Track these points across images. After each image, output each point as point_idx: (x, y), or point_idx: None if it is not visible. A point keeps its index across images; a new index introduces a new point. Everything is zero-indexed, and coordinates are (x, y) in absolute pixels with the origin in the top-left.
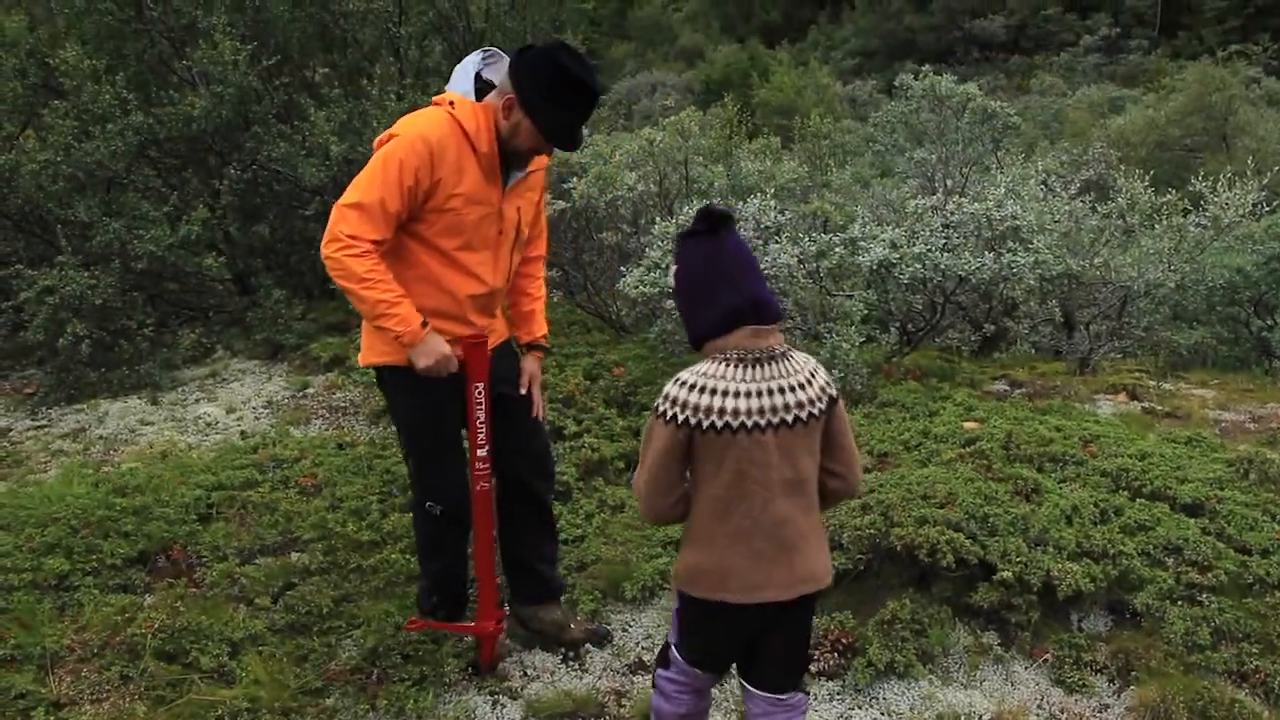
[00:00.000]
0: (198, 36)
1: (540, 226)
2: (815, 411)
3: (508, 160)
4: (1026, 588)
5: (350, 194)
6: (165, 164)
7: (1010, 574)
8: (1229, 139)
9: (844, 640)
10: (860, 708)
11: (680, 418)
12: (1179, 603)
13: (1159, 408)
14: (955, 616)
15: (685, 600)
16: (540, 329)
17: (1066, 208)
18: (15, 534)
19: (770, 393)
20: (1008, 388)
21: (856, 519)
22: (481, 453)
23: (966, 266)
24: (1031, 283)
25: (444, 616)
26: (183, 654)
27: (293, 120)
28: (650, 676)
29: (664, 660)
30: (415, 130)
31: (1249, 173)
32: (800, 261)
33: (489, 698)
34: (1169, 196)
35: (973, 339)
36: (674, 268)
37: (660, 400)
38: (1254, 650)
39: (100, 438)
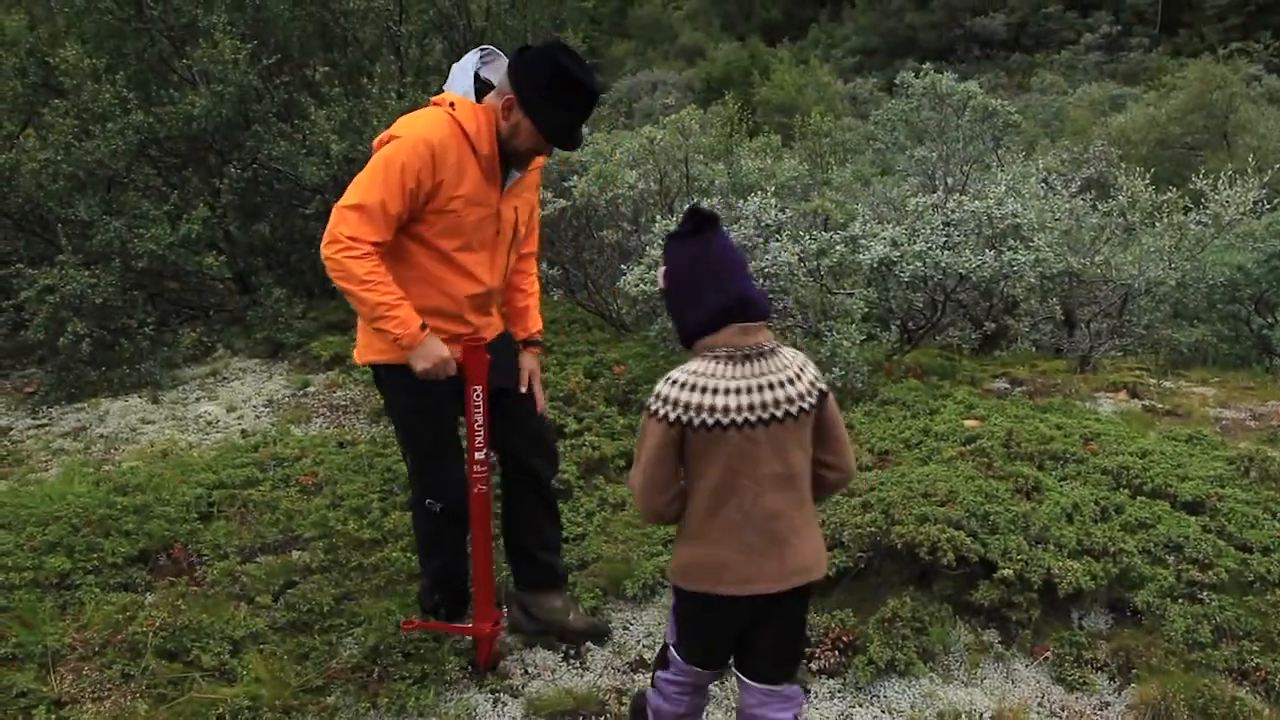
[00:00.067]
0: (198, 35)
1: (533, 222)
2: (805, 406)
3: (507, 161)
4: (1027, 585)
5: (350, 195)
6: (166, 163)
7: (1011, 572)
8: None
9: (845, 638)
10: (861, 705)
11: (672, 415)
12: (1180, 600)
13: (1160, 406)
14: (956, 614)
15: (681, 595)
16: (536, 324)
17: (1067, 206)
18: (16, 533)
19: (760, 389)
20: (1008, 386)
21: (857, 517)
22: (479, 455)
23: (967, 264)
24: (1032, 281)
25: (445, 614)
26: (184, 652)
27: (293, 119)
28: (650, 676)
29: (663, 662)
30: (417, 132)
31: (1250, 170)
32: (801, 259)
33: (490, 696)
34: (1170, 194)
35: (973, 337)
36: (662, 269)
37: (652, 399)
38: (1255, 648)
39: (101, 436)
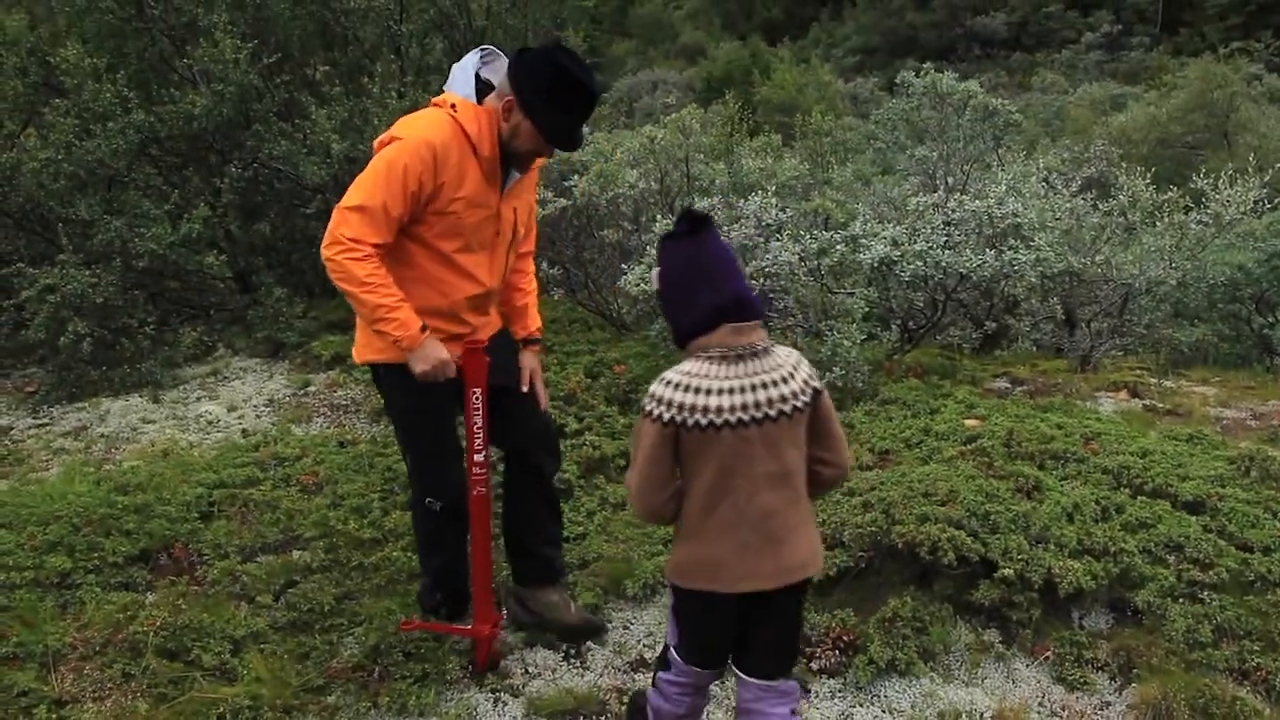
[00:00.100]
0: (198, 35)
1: (531, 221)
2: (799, 405)
3: (508, 162)
4: (1028, 585)
5: (352, 196)
6: (166, 162)
7: (1011, 571)
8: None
9: (845, 638)
10: (861, 705)
11: (666, 416)
12: (1180, 600)
13: (1160, 405)
14: (956, 614)
15: (679, 593)
16: (535, 323)
17: (1068, 205)
18: (17, 532)
19: (753, 388)
20: (1009, 385)
21: (858, 517)
22: (479, 458)
23: (968, 264)
24: (1033, 280)
25: (446, 614)
26: (184, 652)
27: (294, 118)
28: (651, 676)
29: (664, 663)
30: (418, 134)
31: (1250, 170)
32: (801, 259)
33: (490, 695)
34: (1170, 194)
35: (974, 336)
36: (656, 269)
37: (647, 399)
38: (1255, 648)
39: (102, 436)
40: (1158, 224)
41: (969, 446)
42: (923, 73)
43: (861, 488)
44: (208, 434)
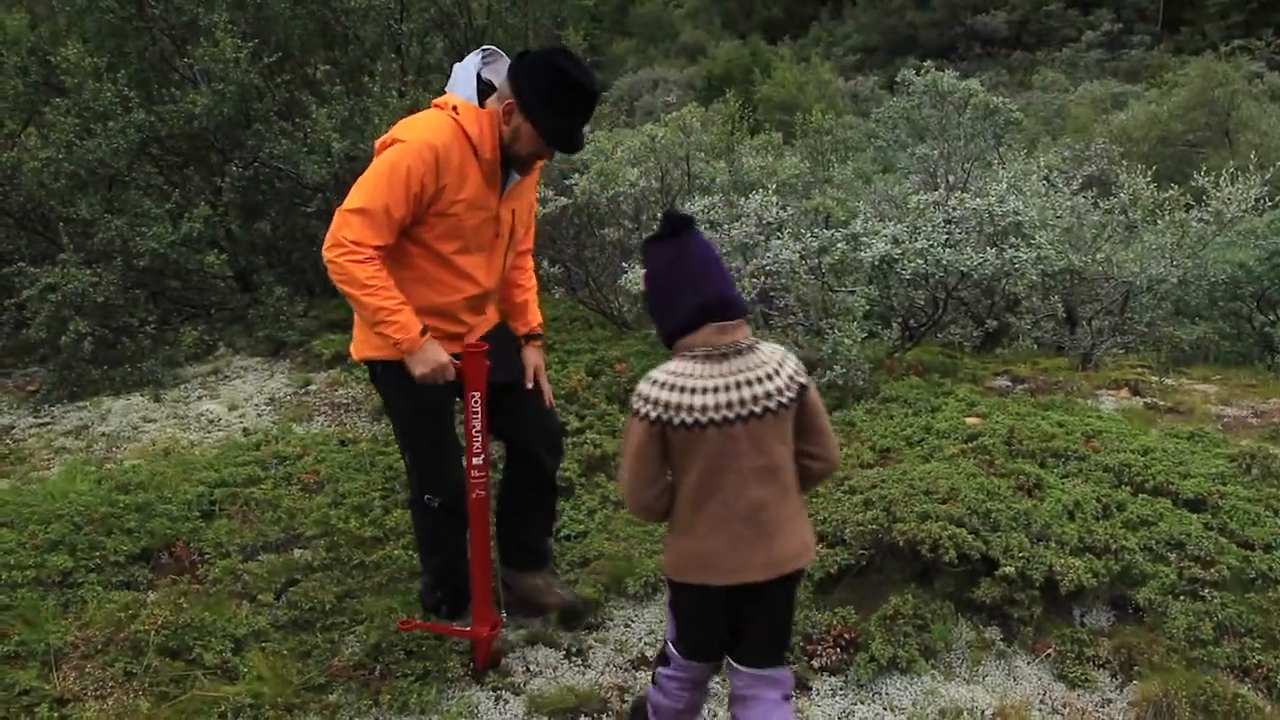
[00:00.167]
0: (199, 34)
1: (530, 219)
2: (785, 400)
3: (508, 164)
4: (1029, 583)
5: (354, 198)
6: (167, 161)
7: (1012, 569)
8: (1231, 134)
9: (846, 635)
10: (863, 703)
11: (653, 414)
12: (1181, 598)
13: (1161, 403)
14: (957, 612)
15: (674, 587)
16: (535, 318)
17: (1069, 203)
18: (19, 531)
19: (738, 386)
20: (1010, 383)
21: (859, 514)
22: (478, 460)
23: (968, 262)
24: (1034, 278)
25: (447, 612)
26: (186, 650)
27: (294, 117)
28: (651, 673)
29: (663, 659)
30: (420, 136)
31: (1251, 168)
32: (802, 257)
33: (491, 693)
34: (1171, 192)
35: (975, 334)
36: (642, 272)
37: (634, 398)
38: (1256, 645)
39: (103, 435)
40: (1159, 222)
41: (970, 444)
42: (923, 71)
43: (863, 485)
44: (209, 433)
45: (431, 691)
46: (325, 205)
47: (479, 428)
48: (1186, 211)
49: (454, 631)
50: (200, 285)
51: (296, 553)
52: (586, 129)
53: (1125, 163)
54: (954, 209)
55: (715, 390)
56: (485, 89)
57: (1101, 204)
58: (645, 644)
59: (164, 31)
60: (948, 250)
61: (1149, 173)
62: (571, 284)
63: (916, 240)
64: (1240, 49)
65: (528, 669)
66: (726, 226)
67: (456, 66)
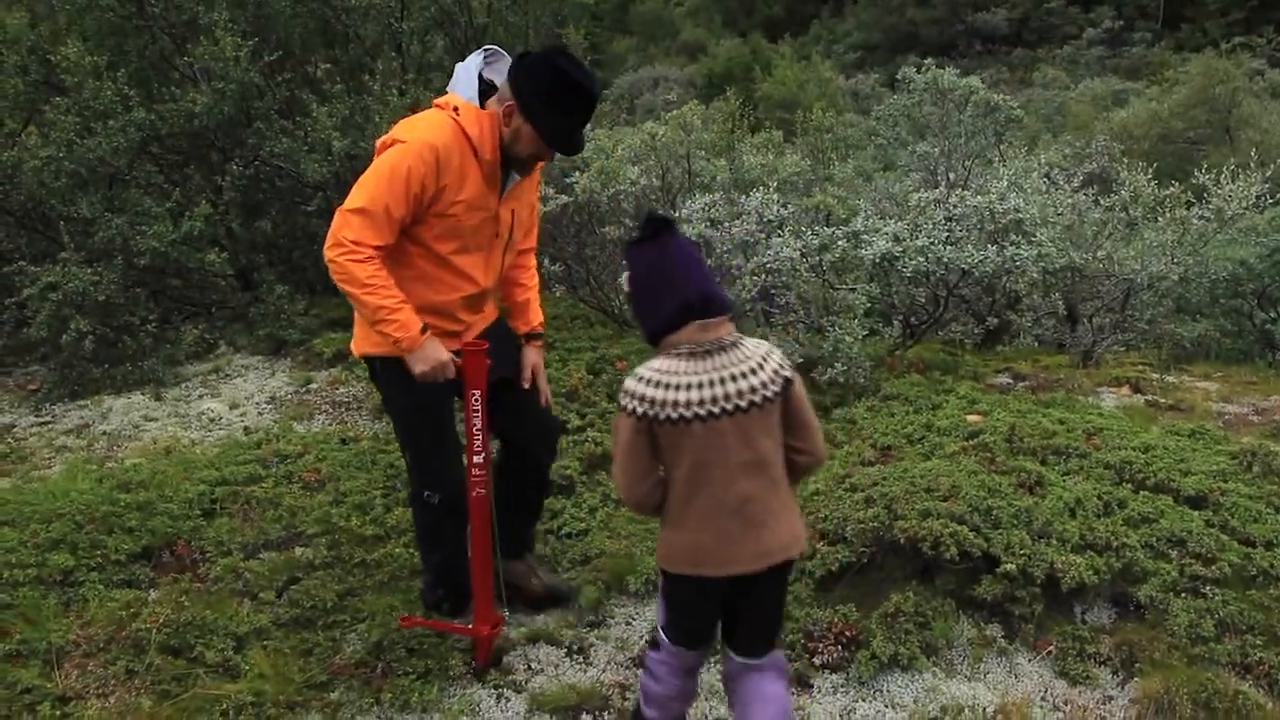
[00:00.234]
0: (199, 33)
1: (532, 219)
2: (769, 394)
3: (508, 165)
4: (1030, 580)
5: (354, 198)
6: (167, 160)
7: (1014, 566)
8: (1232, 131)
9: (848, 633)
10: (864, 700)
11: (639, 410)
12: (1183, 595)
13: (1162, 400)
14: (959, 609)
15: (667, 578)
16: (536, 318)
17: (1069, 201)
18: (20, 530)
19: (722, 381)
20: (1011, 381)
21: (860, 512)
22: (478, 459)
23: (969, 259)
24: (1034, 276)
25: (449, 610)
26: (188, 648)
27: (295, 116)
28: (643, 658)
29: (654, 644)
30: (421, 137)
31: (1252, 165)
32: (803, 255)
33: (493, 691)
34: (1172, 189)
35: (976, 332)
36: (626, 274)
37: (621, 395)
38: (1258, 642)
39: (104, 434)
40: (1159, 219)
41: (971, 442)
42: (924, 69)
43: (864, 483)
44: (210, 431)
45: (433, 689)
46: (326, 204)
47: (479, 426)
48: (1187, 209)
49: (455, 629)
50: (201, 284)
51: (298, 551)
52: (586, 129)
53: (1126, 160)
54: (955, 206)
55: (700, 386)
56: (487, 89)
57: (1102, 201)
58: (647, 642)
59: (164, 30)
60: (949, 248)
61: (1150, 170)
62: (572, 282)
63: (917, 238)
64: (1241, 46)
65: (529, 667)
66: (727, 224)
67: (458, 66)
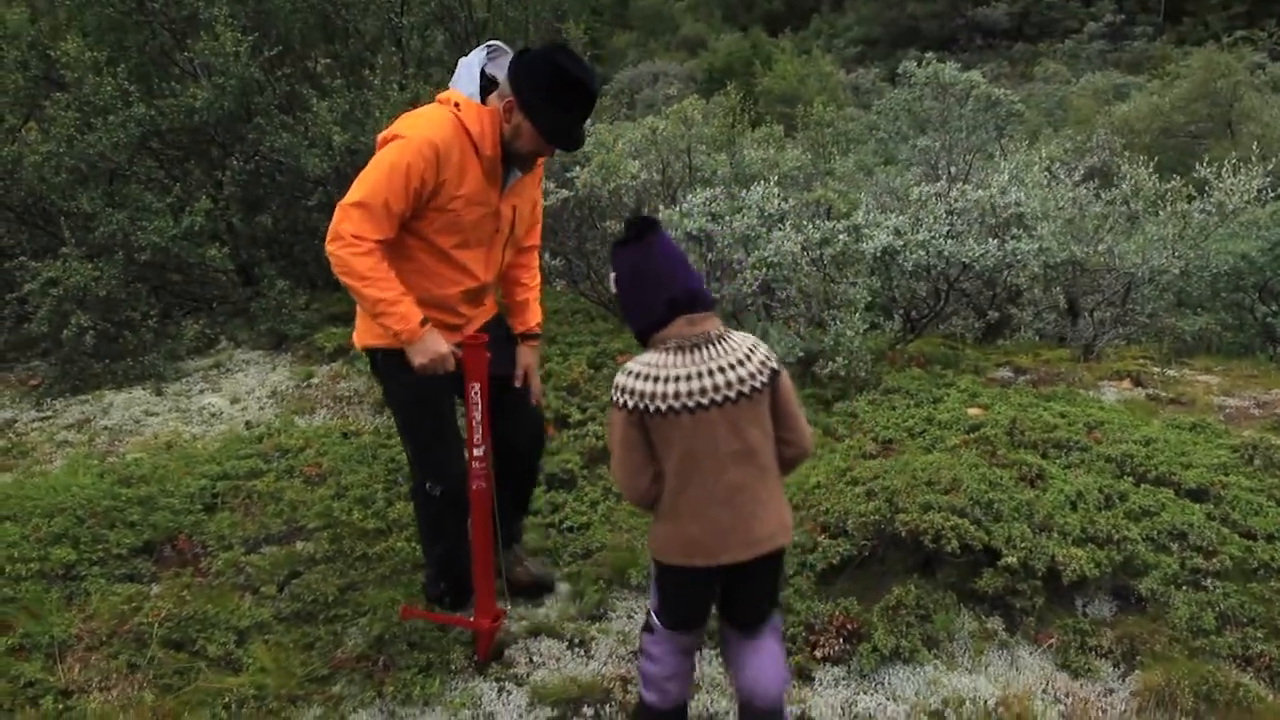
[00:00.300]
0: (199, 28)
1: (535, 216)
2: (757, 385)
3: (509, 162)
4: (1031, 573)
5: (354, 193)
6: (168, 155)
7: (1015, 559)
8: (1234, 125)
9: (849, 626)
10: (866, 693)
11: (630, 404)
12: (1184, 588)
13: (1163, 394)
14: (960, 602)
15: (659, 567)
16: (535, 318)
17: (1070, 194)
18: (22, 524)
19: (710, 373)
20: (1012, 374)
21: (861, 505)
22: (478, 452)
23: (970, 253)
24: (1035, 269)
25: (451, 604)
26: (189, 642)
27: (295, 111)
28: (638, 642)
29: (647, 627)
30: (421, 133)
31: (1254, 159)
32: (804, 249)
33: (495, 684)
34: (1173, 183)
35: (977, 326)
36: (612, 275)
37: (613, 390)
38: (1259, 635)
39: (105, 428)
40: (1161, 213)
41: (972, 435)
42: (925, 63)
43: (865, 476)
44: (211, 426)
45: (435, 683)
46: (326, 198)
47: (479, 418)
48: (1189, 203)
49: (456, 621)
50: (202, 279)
51: (299, 545)
52: (587, 125)
53: (1127, 154)
54: (956, 200)
55: (689, 378)
56: (489, 85)
57: (1103, 195)
58: (642, 627)
59: (164, 25)
60: (949, 242)
61: (1151, 164)
62: (573, 276)
63: (918, 232)
64: (1243, 40)
65: (530, 660)
66: (728, 218)
67: (461, 62)
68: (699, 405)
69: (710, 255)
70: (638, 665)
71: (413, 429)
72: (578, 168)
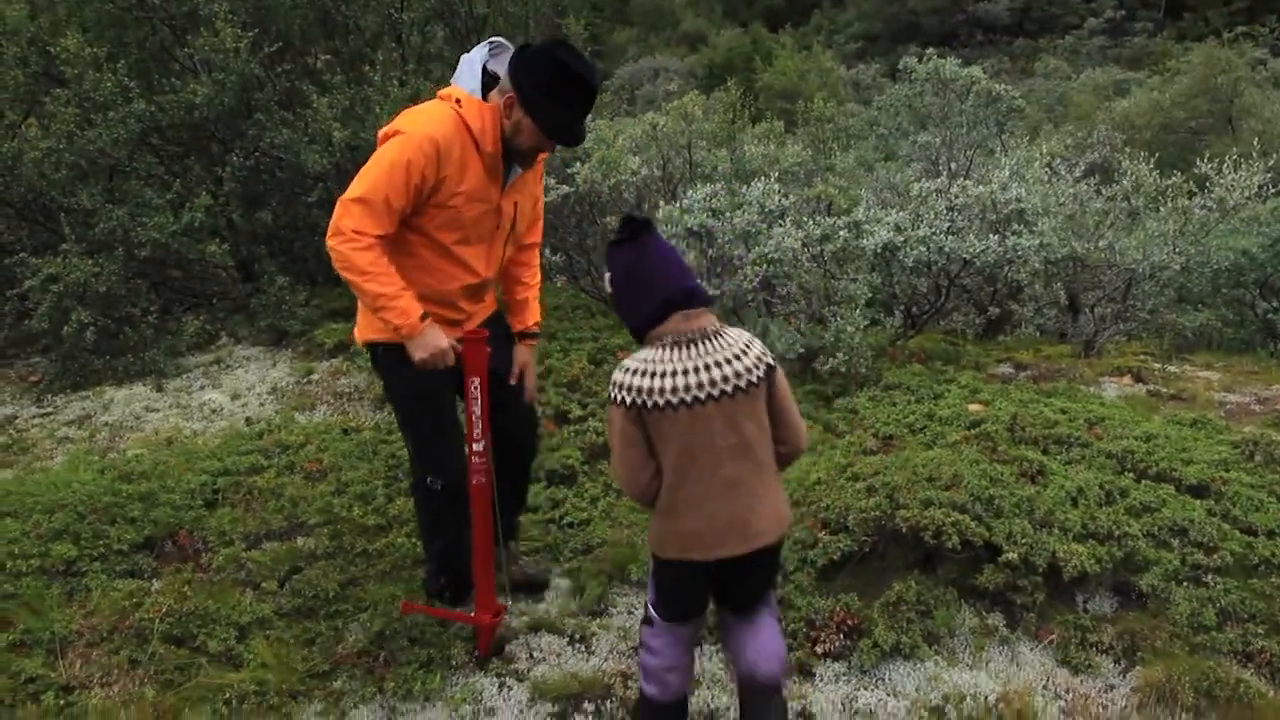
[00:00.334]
0: (199, 24)
1: (536, 213)
2: (754, 379)
3: (510, 158)
4: (1032, 569)
5: (355, 188)
6: (168, 151)
7: (1015, 555)
8: (1234, 121)
9: (850, 622)
10: (866, 688)
11: (628, 400)
12: (1184, 584)
13: (1164, 390)
14: (961, 598)
15: (658, 561)
16: (533, 317)
17: (1071, 190)
18: (23, 520)
19: (706, 368)
20: (1012, 370)
21: (862, 501)
22: (478, 446)
23: (971, 249)
24: (1036, 265)
25: (451, 599)
26: (190, 638)
27: (295, 107)
28: (638, 636)
29: (646, 620)
30: (422, 129)
31: (1255, 154)
32: (805, 245)
33: (495, 680)
34: (1174, 179)
35: (977, 322)
36: (608, 275)
37: (610, 387)
38: (1259, 630)
39: (106, 425)
40: (1161, 209)
41: (973, 431)
42: (925, 59)
43: (865, 472)
44: (211, 422)
45: (435, 678)
46: (326, 194)
47: (479, 413)
48: (1189, 198)
49: (457, 617)
50: (202, 275)
51: (300, 541)
52: (587, 120)
53: (1128, 150)
54: (956, 196)
55: (686, 372)
56: (491, 81)
57: (1104, 191)
58: (641, 620)
59: (164, 21)
60: (950, 238)
61: (1152, 160)
62: (574, 272)
63: (919, 228)
64: (1243, 35)
65: (531, 655)
66: (729, 214)
67: (463, 58)
68: (696, 400)
69: (711, 251)
70: (638, 659)
71: (413, 424)
72: (578, 164)
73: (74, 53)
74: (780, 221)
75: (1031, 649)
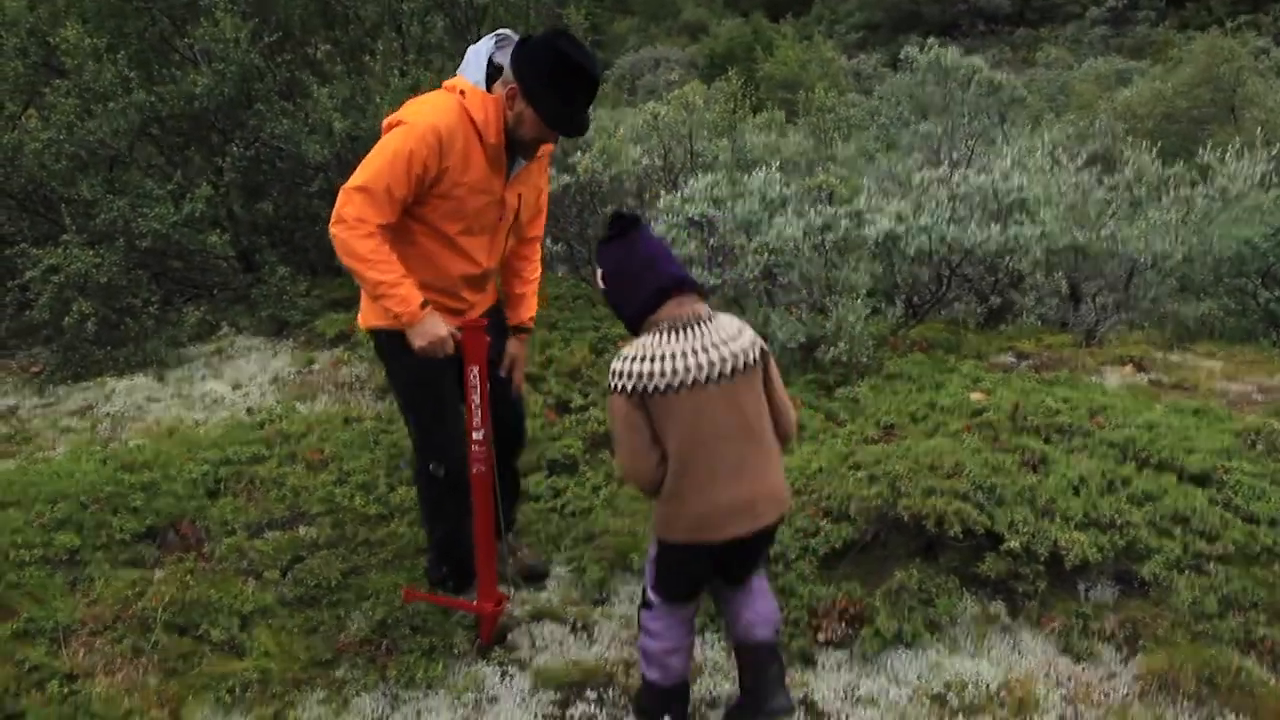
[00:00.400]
0: (199, 14)
1: (540, 205)
2: (750, 360)
3: (514, 150)
4: (1034, 557)
5: (358, 177)
6: (168, 142)
7: (1017, 544)
8: (1237, 110)
9: (851, 610)
10: (868, 677)
11: (629, 387)
12: (1186, 572)
13: (1166, 379)
14: (962, 586)
15: (663, 545)
16: (528, 312)
17: (1073, 180)
18: (26, 510)
19: (705, 349)
20: (1014, 359)
21: (864, 490)
22: (478, 435)
23: (972, 239)
24: (1038, 255)
25: (453, 586)
26: (193, 627)
27: (295, 97)
28: (636, 620)
29: (645, 603)
30: (425, 120)
31: (1257, 144)
32: (806, 234)
33: (498, 668)
34: (1176, 168)
35: (979, 311)
36: (599, 271)
37: (610, 377)
38: (1261, 619)
39: (107, 415)
40: (1163, 198)
41: (974, 420)
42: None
43: (867, 461)
44: (213, 412)
45: (438, 666)
46: (327, 185)
47: (479, 402)
48: (1192, 188)
49: (459, 604)
50: (203, 265)
51: (302, 530)
52: (589, 110)
53: (1130, 139)
54: (958, 186)
55: (684, 355)
56: (495, 73)
57: (1106, 180)
58: (638, 605)
59: (163, 11)
60: (952, 227)
61: (1154, 149)
62: (575, 262)
63: (920, 217)
64: (1246, 25)
65: (533, 643)
66: (730, 204)
67: (469, 49)
68: (696, 382)
69: (712, 241)
70: (639, 645)
71: (415, 410)
72: (579, 153)
73: (74, 43)
74: (781, 211)
75: (1033, 637)
